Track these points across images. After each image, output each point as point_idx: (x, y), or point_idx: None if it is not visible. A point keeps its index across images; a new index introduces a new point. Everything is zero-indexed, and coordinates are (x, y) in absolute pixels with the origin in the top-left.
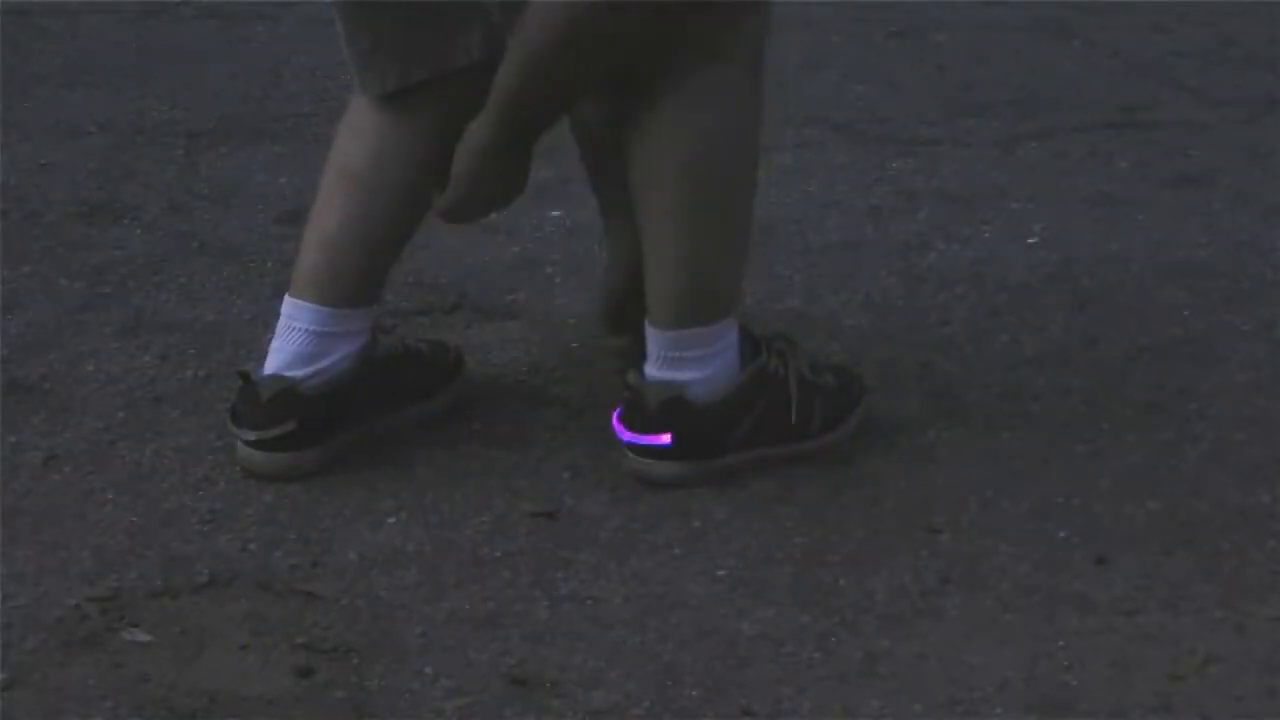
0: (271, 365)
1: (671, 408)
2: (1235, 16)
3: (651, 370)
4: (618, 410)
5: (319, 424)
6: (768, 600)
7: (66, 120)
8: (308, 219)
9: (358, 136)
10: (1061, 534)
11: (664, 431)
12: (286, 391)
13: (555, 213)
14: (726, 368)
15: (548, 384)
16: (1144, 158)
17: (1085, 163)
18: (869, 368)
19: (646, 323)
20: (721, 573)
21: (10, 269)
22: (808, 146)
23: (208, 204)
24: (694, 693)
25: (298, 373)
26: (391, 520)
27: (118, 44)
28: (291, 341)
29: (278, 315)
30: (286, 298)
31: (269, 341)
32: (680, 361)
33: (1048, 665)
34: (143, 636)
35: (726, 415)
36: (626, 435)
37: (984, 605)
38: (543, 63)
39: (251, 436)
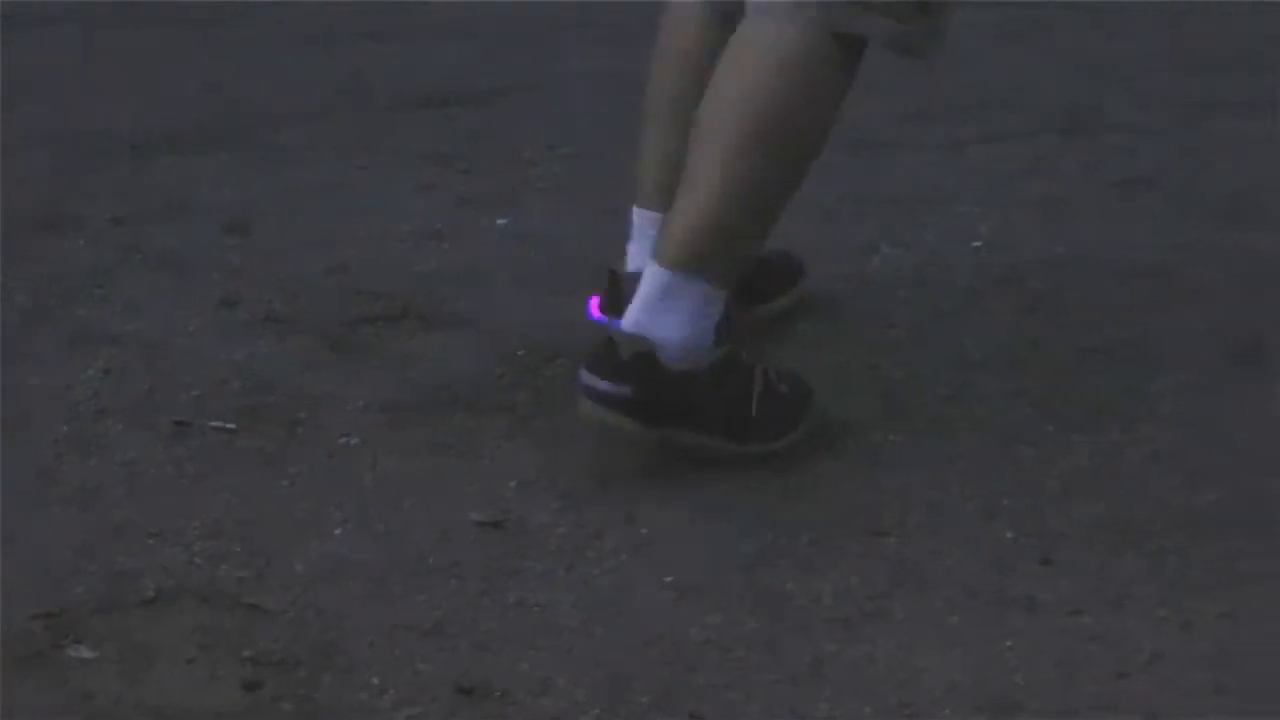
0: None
1: (642, 362)
2: (1179, 20)
3: (633, 315)
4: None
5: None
6: (716, 605)
7: (11, 133)
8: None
9: None
10: (1008, 535)
11: (628, 383)
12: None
13: (501, 221)
14: (703, 338)
15: (494, 392)
16: (1090, 160)
17: (1032, 166)
18: (817, 371)
19: (648, 259)
20: (669, 579)
21: None
22: None
23: (154, 215)
24: (643, 699)
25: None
26: (338, 531)
27: (63, 53)
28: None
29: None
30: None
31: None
32: (663, 311)
33: (995, 666)
34: (88, 653)
35: (692, 387)
36: (588, 379)
37: (931, 607)
38: None
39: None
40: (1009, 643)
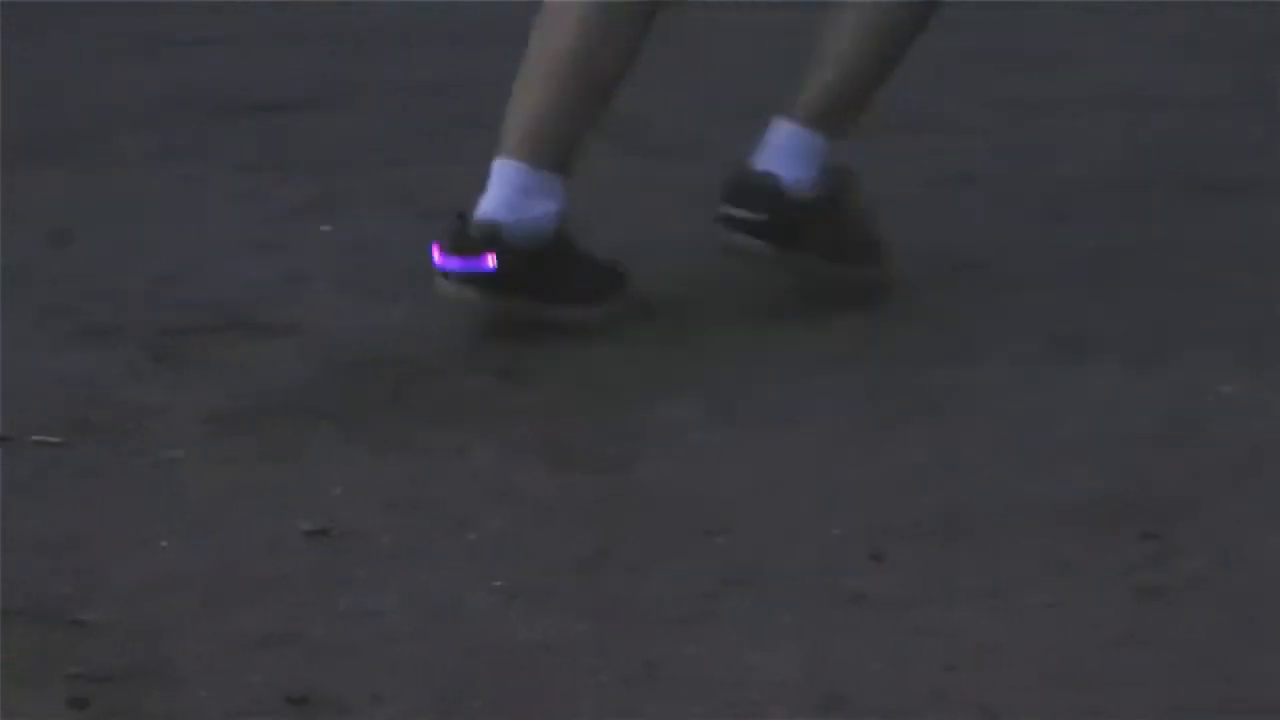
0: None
1: (492, 238)
2: (1001, 20)
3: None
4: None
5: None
6: (546, 609)
7: None
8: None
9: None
10: (836, 532)
11: (486, 254)
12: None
13: (326, 227)
14: (546, 215)
15: (320, 400)
16: (911, 160)
17: (854, 166)
18: (645, 371)
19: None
20: (499, 583)
21: None
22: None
23: None
24: (475, 704)
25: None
26: (164, 544)
27: None
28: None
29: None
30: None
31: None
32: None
33: (825, 663)
34: None
35: (542, 257)
36: (443, 260)
37: (762, 606)
38: None
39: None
40: (839, 639)
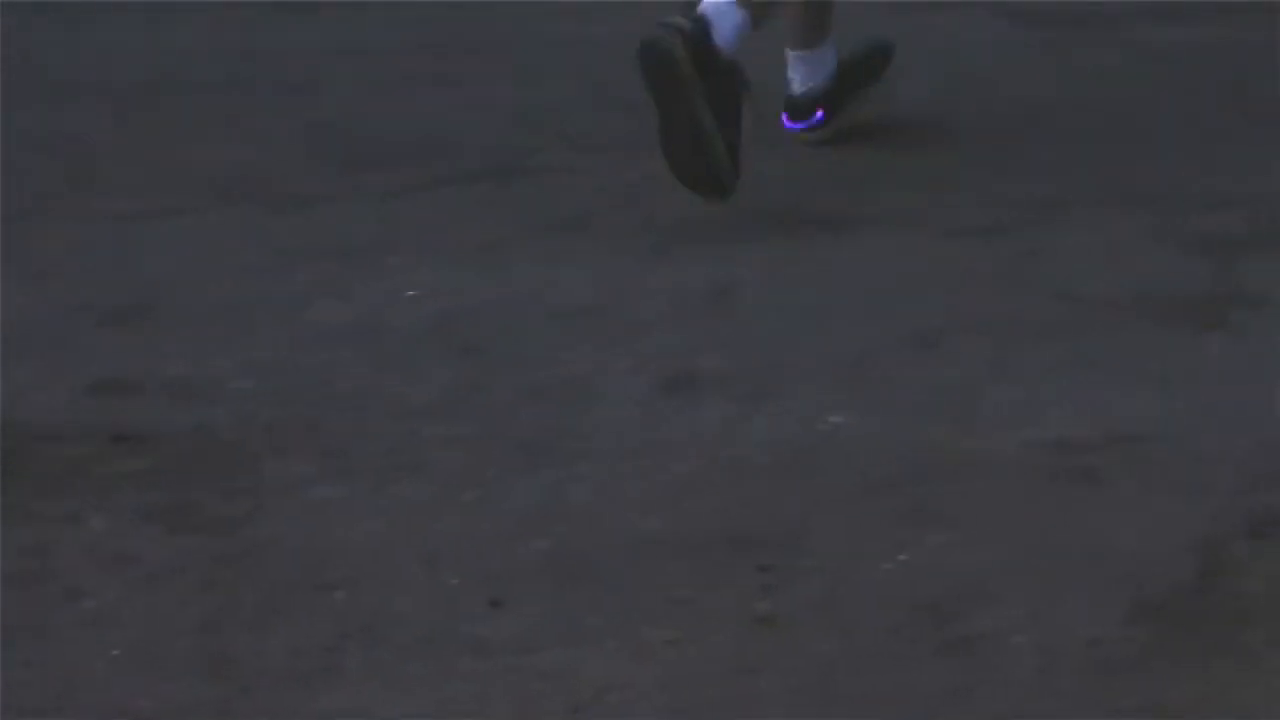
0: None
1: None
2: (602, 65)
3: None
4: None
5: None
6: (166, 674)
7: None
8: None
9: None
10: (454, 581)
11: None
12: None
13: None
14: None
15: None
16: (521, 204)
17: (466, 213)
18: (257, 431)
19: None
20: (117, 651)
21: None
22: (185, 212)
23: None
24: None
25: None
26: None
27: None
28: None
29: None
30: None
31: None
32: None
33: (451, 711)
34: None
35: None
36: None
37: (384, 658)
38: None
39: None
40: (463, 687)
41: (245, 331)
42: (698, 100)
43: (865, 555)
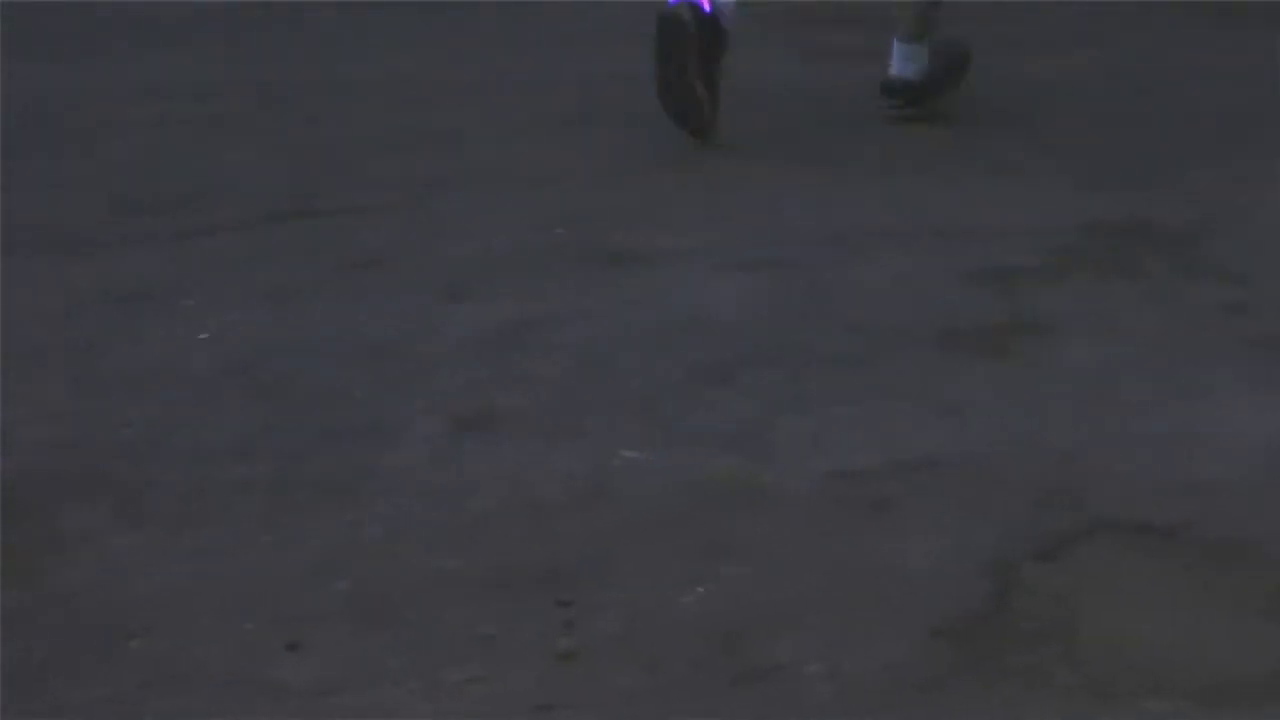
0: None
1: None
2: (387, 106)
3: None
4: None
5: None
6: None
7: None
8: None
9: None
10: (249, 625)
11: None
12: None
13: None
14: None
15: None
16: (314, 245)
17: (257, 254)
18: (44, 482)
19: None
20: None
21: None
22: None
23: None
24: None
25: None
26: None
27: None
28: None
29: None
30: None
31: None
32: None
33: None
34: None
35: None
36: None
37: (184, 705)
38: None
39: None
40: None
41: (36, 379)
42: (692, 55)
43: (664, 588)
